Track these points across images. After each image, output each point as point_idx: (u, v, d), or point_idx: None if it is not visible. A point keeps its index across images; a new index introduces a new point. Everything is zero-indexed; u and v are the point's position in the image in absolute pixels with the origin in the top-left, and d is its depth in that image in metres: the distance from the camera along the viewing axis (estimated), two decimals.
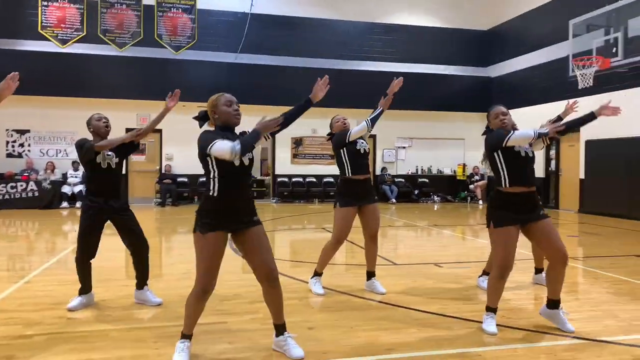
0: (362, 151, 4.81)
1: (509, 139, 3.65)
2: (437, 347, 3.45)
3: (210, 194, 3.10)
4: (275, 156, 16.57)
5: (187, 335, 3.20)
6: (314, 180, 16.37)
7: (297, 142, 16.46)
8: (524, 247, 4.98)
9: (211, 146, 2.96)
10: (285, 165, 16.58)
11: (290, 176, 16.39)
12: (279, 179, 16.39)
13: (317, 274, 4.90)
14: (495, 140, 3.77)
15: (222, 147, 2.92)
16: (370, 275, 4.94)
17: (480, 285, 5.09)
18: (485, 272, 5.14)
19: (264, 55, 15.72)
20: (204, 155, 3.08)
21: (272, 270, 3.20)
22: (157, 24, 15.34)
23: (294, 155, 16.56)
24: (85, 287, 4.30)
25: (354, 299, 4.70)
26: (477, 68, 17.60)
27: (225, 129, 3.20)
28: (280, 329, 3.31)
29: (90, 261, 4.27)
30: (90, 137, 4.38)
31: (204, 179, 3.18)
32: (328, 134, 5.03)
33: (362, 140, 4.86)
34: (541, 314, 3.92)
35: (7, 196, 13.10)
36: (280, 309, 3.29)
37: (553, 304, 3.81)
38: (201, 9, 15.56)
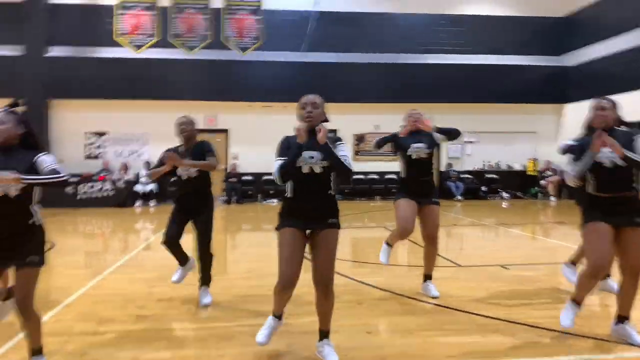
0: (413, 157, 4.63)
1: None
2: (501, 355, 3.31)
3: (286, 195, 3.24)
4: None
5: (275, 315, 3.33)
6: (376, 177, 16.21)
7: (359, 138, 16.37)
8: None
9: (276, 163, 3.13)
10: None
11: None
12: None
13: (388, 244, 4.94)
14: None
15: (274, 170, 3.10)
16: (426, 277, 4.82)
17: (565, 274, 4.88)
18: (572, 262, 4.90)
19: (328, 53, 15.73)
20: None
21: (323, 278, 3.13)
22: (224, 27, 15.76)
23: (356, 152, 16.47)
24: (181, 261, 4.61)
25: (415, 302, 4.60)
26: (551, 57, 16.66)
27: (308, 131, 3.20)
28: (321, 334, 3.28)
29: (178, 241, 4.47)
30: (169, 140, 4.66)
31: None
32: (400, 126, 4.89)
33: (417, 145, 4.63)
34: (612, 335, 3.63)
35: (84, 196, 13.96)
36: (326, 317, 3.24)
37: (619, 319, 3.57)
38: (266, 9, 15.81)
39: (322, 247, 3.16)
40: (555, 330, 3.76)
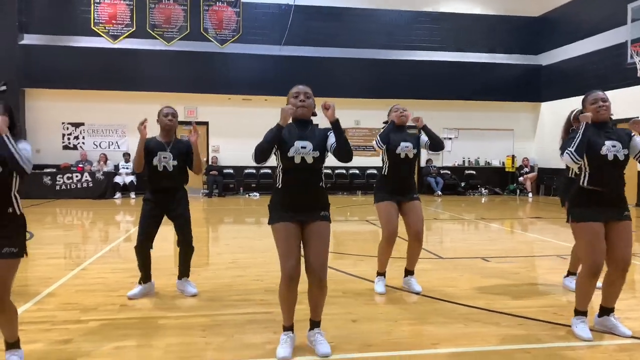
0: (402, 156, 4.56)
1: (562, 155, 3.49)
2: (484, 343, 3.38)
3: (277, 186, 3.20)
4: None
5: (287, 327, 3.20)
6: (357, 172, 16.31)
7: None
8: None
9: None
10: (328, 157, 16.57)
11: (333, 168, 16.39)
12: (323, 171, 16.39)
13: (379, 273, 4.77)
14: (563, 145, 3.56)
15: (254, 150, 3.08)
16: (408, 272, 4.77)
17: (568, 287, 4.76)
18: (570, 272, 4.86)
19: (308, 47, 15.72)
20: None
21: (318, 271, 3.11)
22: (203, 18, 15.61)
23: None
24: (144, 277, 4.42)
25: (398, 292, 4.66)
26: (527, 56, 16.98)
27: (297, 122, 3.20)
28: (313, 324, 3.28)
29: (150, 250, 4.35)
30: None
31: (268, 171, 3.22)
32: (384, 122, 4.81)
33: (406, 144, 4.57)
34: (595, 326, 3.64)
35: (63, 187, 13.74)
36: (318, 308, 3.23)
37: (604, 311, 3.61)
38: (245, 2, 15.70)
39: (315, 239, 3.14)
40: (534, 319, 3.86)
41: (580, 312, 3.57)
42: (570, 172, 4.59)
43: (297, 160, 3.10)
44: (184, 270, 4.55)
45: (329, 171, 16.31)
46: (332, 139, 3.16)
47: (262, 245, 6.83)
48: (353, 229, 9.40)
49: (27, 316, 3.82)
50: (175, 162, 4.33)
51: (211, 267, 5.82)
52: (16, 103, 13.79)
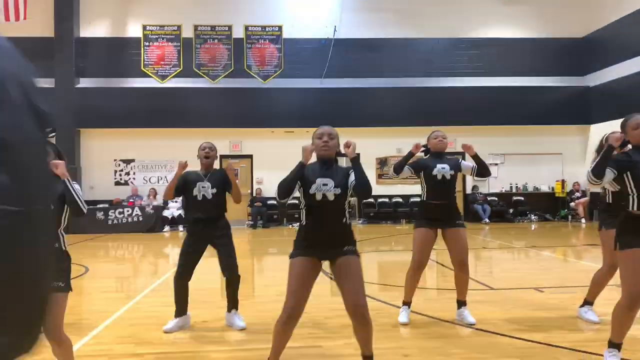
0: (438, 177, 4.52)
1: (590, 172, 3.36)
2: None
3: (301, 222, 3.25)
4: None
5: None
6: (401, 200, 16.16)
7: (382, 162, 16.39)
8: None
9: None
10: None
11: (375, 197, 16.32)
12: (365, 200, 16.36)
13: (405, 302, 4.72)
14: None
15: (281, 182, 3.17)
16: (460, 304, 4.65)
17: (583, 317, 4.61)
18: (586, 302, 4.66)
19: (348, 79, 15.93)
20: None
21: (356, 306, 3.08)
22: (247, 56, 16.13)
23: (379, 176, 16.47)
24: (179, 310, 4.50)
25: (449, 325, 4.53)
26: (574, 78, 16.58)
27: (321, 161, 3.28)
28: (367, 359, 3.24)
29: (187, 283, 4.46)
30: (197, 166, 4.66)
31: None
32: (423, 145, 4.80)
33: (442, 165, 4.55)
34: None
35: (115, 221, 14.24)
36: (367, 342, 3.18)
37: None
38: (287, 38, 16.15)
39: (346, 276, 3.13)
40: (596, 354, 3.66)
41: (614, 345, 3.39)
42: (608, 196, 4.42)
43: (319, 197, 3.15)
44: (232, 302, 4.59)
45: (371, 200, 16.25)
46: (352, 177, 3.20)
47: None
48: (399, 259, 9.25)
49: (85, 350, 3.94)
50: (214, 190, 4.49)
51: (258, 300, 5.85)
52: (72, 143, 14.56)
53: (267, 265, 9.10)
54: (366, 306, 3.11)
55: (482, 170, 4.63)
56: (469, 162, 4.68)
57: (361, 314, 3.07)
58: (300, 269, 3.12)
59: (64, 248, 3.02)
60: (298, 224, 3.30)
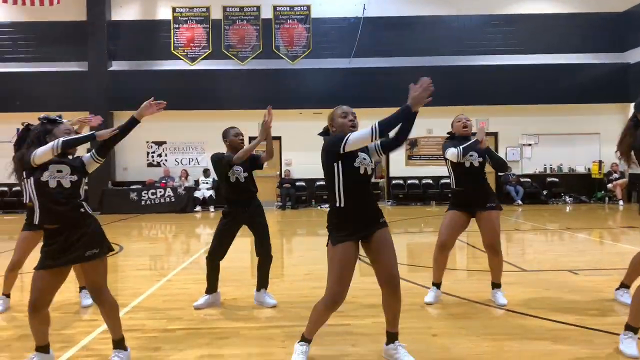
0: (467, 164, 4.41)
1: None
2: None
3: (337, 205, 3.11)
4: (390, 158, 16.44)
5: (307, 339, 3.26)
6: (431, 182, 15.97)
7: (412, 143, 16.19)
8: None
9: (346, 140, 3.00)
10: (399, 167, 16.38)
11: (405, 178, 16.16)
12: (394, 182, 16.23)
13: (434, 284, 4.70)
14: None
15: (361, 134, 2.98)
16: (494, 286, 4.62)
17: (619, 300, 4.52)
18: (623, 284, 4.54)
19: (377, 58, 15.71)
20: (332, 162, 3.10)
21: (393, 276, 3.12)
22: (275, 37, 16.07)
23: (409, 157, 16.30)
24: (210, 287, 4.60)
25: (479, 306, 4.48)
26: (613, 54, 15.91)
27: None
28: (391, 337, 3.24)
29: (219, 262, 4.56)
30: (223, 149, 4.69)
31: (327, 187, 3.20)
32: (447, 133, 4.75)
33: (471, 152, 4.40)
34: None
35: (148, 202, 14.57)
36: (396, 318, 3.21)
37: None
38: (315, 18, 15.98)
39: (383, 250, 3.13)
40: None
41: (632, 328, 3.30)
42: None
43: (362, 170, 3.11)
44: (262, 282, 4.66)
45: (400, 182, 16.12)
46: (372, 146, 3.20)
47: None
48: (428, 240, 9.18)
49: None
50: (246, 174, 4.57)
51: (287, 279, 5.90)
52: (105, 126, 14.83)
53: (296, 245, 9.16)
54: (399, 281, 3.15)
55: (498, 166, 4.55)
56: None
57: (395, 285, 3.11)
58: (347, 255, 3.08)
59: (89, 211, 3.16)
60: (328, 206, 3.23)
